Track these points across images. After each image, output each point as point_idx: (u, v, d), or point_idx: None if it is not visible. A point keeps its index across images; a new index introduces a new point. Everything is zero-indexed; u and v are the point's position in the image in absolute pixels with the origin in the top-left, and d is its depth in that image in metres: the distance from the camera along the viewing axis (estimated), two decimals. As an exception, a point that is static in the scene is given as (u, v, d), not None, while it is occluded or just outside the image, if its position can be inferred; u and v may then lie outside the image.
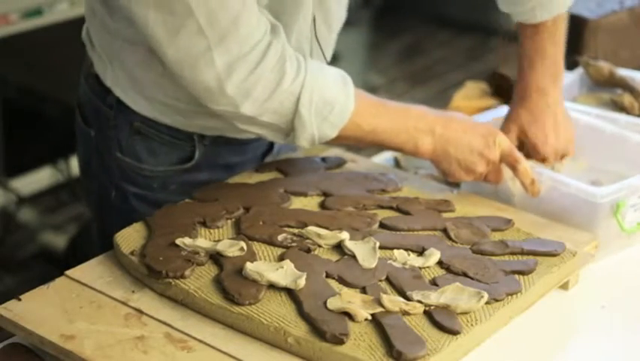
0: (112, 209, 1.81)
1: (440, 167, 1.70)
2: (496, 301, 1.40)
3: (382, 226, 1.59)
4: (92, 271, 1.50)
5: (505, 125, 1.79)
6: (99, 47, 1.73)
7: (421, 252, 1.51)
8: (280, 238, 1.52)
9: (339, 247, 1.51)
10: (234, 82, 1.52)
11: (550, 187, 1.67)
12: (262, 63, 1.52)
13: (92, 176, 1.85)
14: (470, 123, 1.71)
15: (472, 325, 1.35)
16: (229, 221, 1.58)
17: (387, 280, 1.44)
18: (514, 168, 1.68)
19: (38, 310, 1.40)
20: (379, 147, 1.71)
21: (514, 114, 1.79)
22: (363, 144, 1.68)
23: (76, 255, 3.09)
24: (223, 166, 1.79)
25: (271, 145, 1.85)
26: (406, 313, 1.36)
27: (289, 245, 1.51)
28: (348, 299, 1.37)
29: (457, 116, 1.72)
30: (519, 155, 1.68)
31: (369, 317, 1.35)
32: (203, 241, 1.50)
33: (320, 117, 1.59)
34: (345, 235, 1.51)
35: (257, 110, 1.55)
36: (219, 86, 1.52)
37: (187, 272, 1.43)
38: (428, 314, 1.36)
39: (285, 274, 1.41)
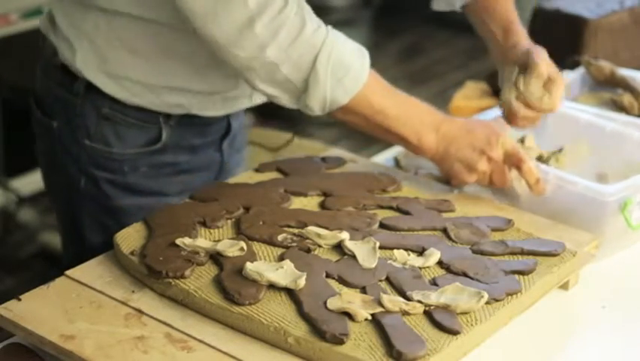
0: (83, 198, 1.83)
1: (442, 167, 1.71)
2: (496, 301, 1.40)
3: (382, 226, 1.59)
4: (92, 271, 1.50)
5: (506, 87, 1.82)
6: (66, 29, 1.75)
7: (421, 252, 1.51)
8: (280, 238, 1.52)
9: (339, 247, 1.51)
10: (264, 20, 1.56)
11: (557, 186, 1.67)
12: (287, 7, 1.57)
13: (57, 168, 1.87)
14: (475, 123, 1.72)
15: (472, 325, 1.35)
16: (229, 221, 1.58)
17: (387, 280, 1.44)
18: (518, 167, 1.68)
19: (38, 310, 1.40)
20: (381, 136, 1.72)
21: (507, 73, 1.83)
22: (368, 128, 1.70)
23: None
24: (187, 148, 1.82)
25: (229, 127, 1.88)
26: (406, 313, 1.36)
27: (289, 245, 1.51)
28: (348, 299, 1.37)
29: (462, 119, 1.74)
30: (523, 154, 1.68)
31: (369, 317, 1.35)
32: (203, 241, 1.50)
33: (335, 78, 1.61)
34: (345, 235, 1.51)
35: (280, 56, 1.58)
36: (250, 25, 1.56)
37: (187, 272, 1.43)
38: (428, 314, 1.36)
39: (285, 274, 1.41)
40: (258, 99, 1.85)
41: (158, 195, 1.82)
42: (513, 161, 1.68)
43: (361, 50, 1.68)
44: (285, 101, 1.66)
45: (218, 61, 1.66)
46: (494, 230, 1.59)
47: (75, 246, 1.90)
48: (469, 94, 2.24)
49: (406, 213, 1.63)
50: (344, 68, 1.63)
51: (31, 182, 3.57)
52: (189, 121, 1.80)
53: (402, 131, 1.68)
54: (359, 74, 1.65)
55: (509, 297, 1.42)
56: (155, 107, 1.76)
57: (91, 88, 1.75)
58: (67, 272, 1.49)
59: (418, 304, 1.37)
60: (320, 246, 1.51)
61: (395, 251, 1.50)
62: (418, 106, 1.71)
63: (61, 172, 1.85)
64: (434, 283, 1.43)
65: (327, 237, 1.52)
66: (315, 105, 1.64)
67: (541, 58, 1.77)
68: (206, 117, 1.81)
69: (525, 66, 1.78)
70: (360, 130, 1.73)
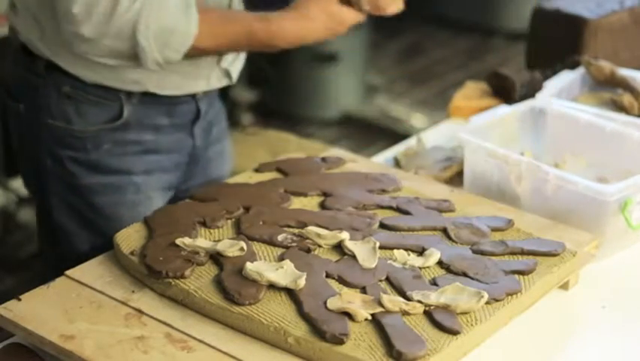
0: (50, 179, 1.85)
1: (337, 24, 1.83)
2: (496, 301, 1.40)
3: (382, 226, 1.59)
4: (92, 271, 1.50)
5: None
6: (25, 8, 1.79)
7: (421, 252, 1.51)
8: (280, 238, 1.52)
9: (339, 247, 1.51)
10: (79, 2, 1.65)
11: (557, 186, 1.67)
12: None
13: (27, 153, 1.90)
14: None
15: (472, 325, 1.35)
16: (229, 221, 1.58)
17: (387, 280, 1.44)
18: None
19: (38, 310, 1.40)
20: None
21: None
22: (225, 51, 1.82)
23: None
24: (152, 127, 1.85)
25: (198, 112, 1.90)
26: (406, 313, 1.36)
27: (289, 245, 1.51)
28: (348, 299, 1.37)
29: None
30: None
31: (369, 317, 1.35)
32: (203, 241, 1.50)
33: (160, 43, 1.69)
34: (345, 235, 1.51)
35: (97, 33, 1.67)
36: (67, 6, 1.66)
37: (187, 272, 1.43)
38: (428, 314, 1.36)
39: (285, 274, 1.41)
40: (216, 83, 1.89)
41: (123, 173, 1.84)
42: None
43: (186, 2, 1.71)
44: (129, 66, 1.73)
45: None
46: (494, 230, 1.59)
47: (45, 228, 1.92)
48: (469, 94, 2.24)
49: (406, 213, 1.63)
50: (167, 32, 1.69)
51: (31, 182, 3.56)
52: (152, 100, 1.82)
53: (243, 49, 1.83)
54: (185, 32, 1.70)
55: (509, 297, 1.42)
56: (114, 83, 1.79)
57: (51, 67, 1.79)
58: (67, 272, 1.49)
59: (418, 304, 1.37)
60: (320, 246, 1.51)
61: (395, 251, 1.50)
62: (253, 27, 1.77)
63: (30, 155, 1.88)
64: (434, 283, 1.43)
65: (327, 237, 1.52)
66: (152, 66, 1.71)
67: None
68: (168, 97, 1.83)
69: None
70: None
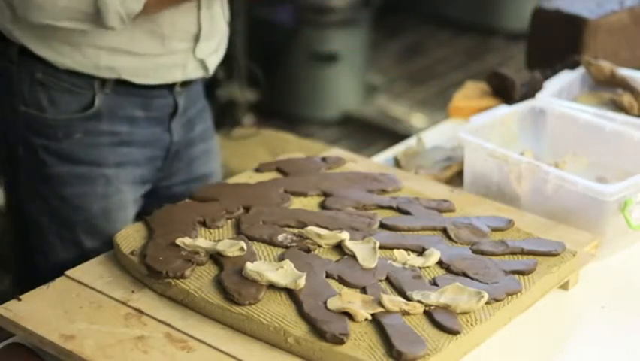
0: (21, 167, 1.85)
1: None
2: (496, 301, 1.40)
3: (382, 226, 1.59)
4: (92, 271, 1.50)
5: None
6: None
7: (421, 252, 1.51)
8: (280, 238, 1.52)
9: (339, 247, 1.51)
10: None
11: (557, 186, 1.67)
12: None
13: (0, 141, 1.88)
14: None
15: (472, 325, 1.35)
16: (229, 221, 1.58)
17: (387, 280, 1.44)
18: None
19: (38, 310, 1.40)
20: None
21: None
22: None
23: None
24: (126, 119, 1.84)
25: (175, 105, 1.89)
26: (406, 313, 1.36)
27: (289, 245, 1.51)
28: (348, 299, 1.37)
29: None
30: None
31: (369, 317, 1.35)
32: (203, 241, 1.50)
33: None
34: (345, 235, 1.51)
35: None
36: None
37: (187, 272, 1.43)
38: (428, 314, 1.36)
39: (285, 274, 1.41)
40: (193, 73, 1.87)
41: (93, 164, 1.83)
42: None
43: None
44: (88, 27, 1.70)
45: (138, 20, 1.70)
46: (494, 230, 1.59)
47: (15, 219, 1.92)
48: (469, 94, 2.24)
49: (406, 213, 1.63)
50: None
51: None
52: (126, 90, 1.81)
53: None
54: None
55: (509, 297, 1.42)
56: (86, 69, 1.77)
57: (24, 53, 1.78)
58: (67, 272, 1.49)
59: (418, 304, 1.37)
60: (320, 246, 1.51)
61: (395, 251, 1.50)
62: None
63: (3, 143, 1.87)
64: (434, 283, 1.43)
65: (327, 237, 1.52)
66: (114, 22, 1.69)
67: None
68: (144, 88, 1.82)
69: None
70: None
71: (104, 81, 1.79)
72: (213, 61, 1.90)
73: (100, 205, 1.84)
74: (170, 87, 1.86)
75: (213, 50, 1.89)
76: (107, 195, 1.85)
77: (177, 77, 1.85)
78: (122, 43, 1.77)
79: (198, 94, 1.97)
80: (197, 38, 1.83)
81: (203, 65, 1.87)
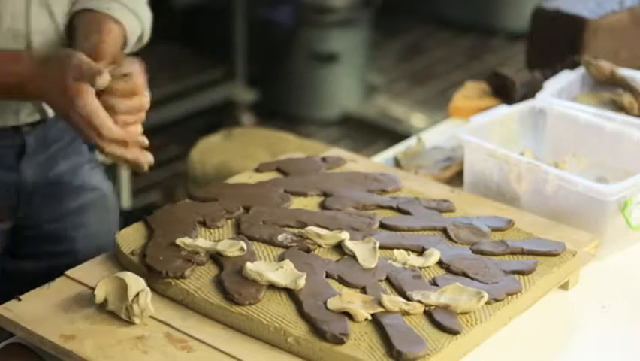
0: None
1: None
2: (496, 301, 1.40)
3: (382, 226, 1.59)
4: (92, 271, 1.50)
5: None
6: None
7: (421, 252, 1.51)
8: (280, 238, 1.52)
9: (339, 247, 1.51)
10: None
11: (557, 186, 1.67)
12: None
13: None
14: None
15: (472, 325, 1.35)
16: (229, 221, 1.58)
17: (387, 280, 1.44)
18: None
19: (38, 310, 1.40)
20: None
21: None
22: None
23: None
24: None
25: (23, 146, 1.72)
26: (406, 313, 1.36)
27: (289, 245, 1.51)
28: (348, 299, 1.37)
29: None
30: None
31: (369, 317, 1.35)
32: (203, 241, 1.50)
33: None
34: (345, 235, 1.51)
35: None
36: None
37: (187, 272, 1.43)
38: (428, 314, 1.36)
39: (285, 274, 1.41)
40: (27, 117, 1.71)
41: None
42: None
43: None
44: None
45: None
46: (494, 230, 1.59)
47: None
48: (469, 94, 2.24)
49: (406, 213, 1.63)
50: None
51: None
52: None
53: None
54: None
55: (509, 297, 1.42)
56: None
57: None
58: (67, 272, 1.49)
59: (418, 304, 1.37)
60: (320, 246, 1.51)
61: (395, 251, 1.50)
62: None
63: None
64: (434, 283, 1.43)
65: (327, 237, 1.52)
66: None
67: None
68: None
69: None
70: None
71: None
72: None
73: None
74: (15, 128, 1.70)
75: None
76: None
77: (10, 121, 1.70)
78: None
79: (64, 129, 1.76)
80: None
81: (40, 108, 1.70)
